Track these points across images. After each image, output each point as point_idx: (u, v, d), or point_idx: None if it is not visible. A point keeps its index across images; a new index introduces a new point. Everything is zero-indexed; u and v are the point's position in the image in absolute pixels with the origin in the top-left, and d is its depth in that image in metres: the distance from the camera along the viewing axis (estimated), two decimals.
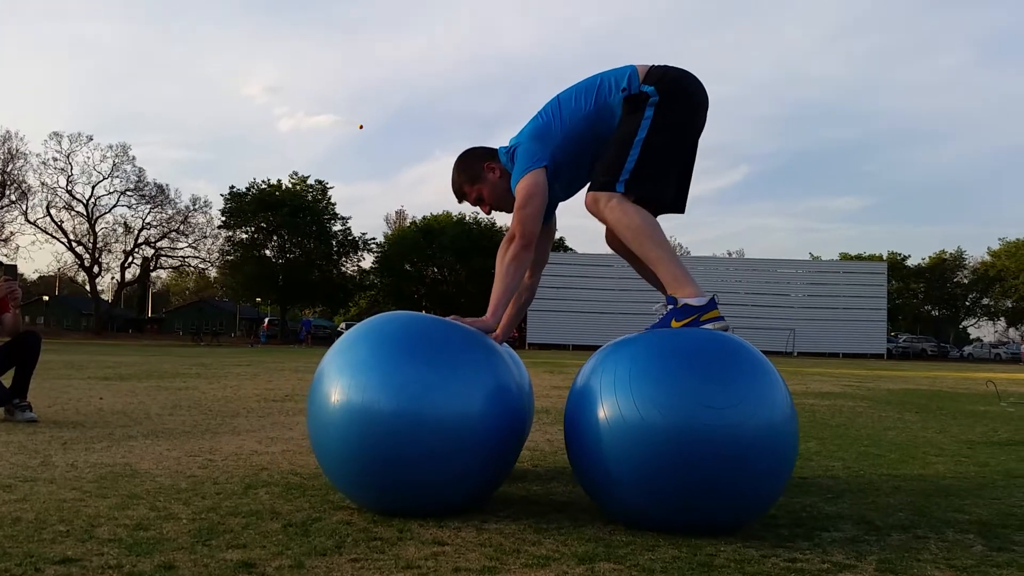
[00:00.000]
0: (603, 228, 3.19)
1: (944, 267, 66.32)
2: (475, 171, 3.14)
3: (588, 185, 2.98)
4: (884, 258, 64.66)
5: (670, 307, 2.78)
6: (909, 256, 67.49)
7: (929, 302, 68.51)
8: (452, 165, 3.21)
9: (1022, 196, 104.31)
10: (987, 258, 66.16)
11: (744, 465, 2.32)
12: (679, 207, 3.10)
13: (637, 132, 2.86)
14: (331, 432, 2.58)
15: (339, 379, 2.58)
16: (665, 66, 2.97)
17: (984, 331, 73.13)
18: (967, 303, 67.98)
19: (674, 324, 2.73)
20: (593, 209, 2.92)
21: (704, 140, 3.10)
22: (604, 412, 2.42)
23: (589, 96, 2.98)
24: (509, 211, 3.09)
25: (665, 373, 2.40)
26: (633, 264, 3.14)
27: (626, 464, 2.38)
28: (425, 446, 2.48)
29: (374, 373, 2.54)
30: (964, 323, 70.82)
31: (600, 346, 2.81)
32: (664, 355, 2.47)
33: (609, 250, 3.25)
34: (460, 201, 3.25)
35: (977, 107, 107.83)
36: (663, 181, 2.94)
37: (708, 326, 2.70)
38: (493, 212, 3.23)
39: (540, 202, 2.95)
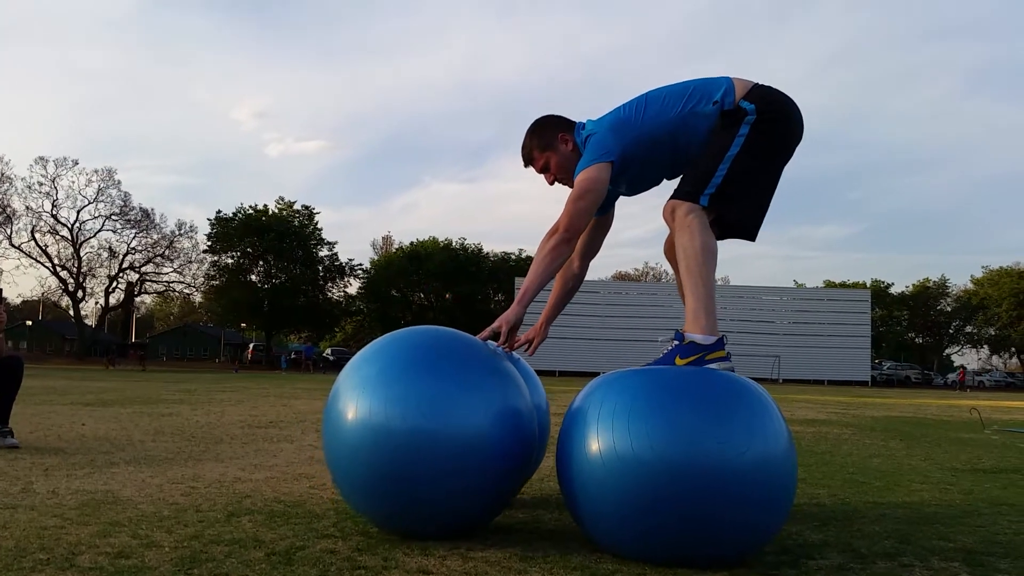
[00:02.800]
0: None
1: (928, 295, 66.75)
2: (548, 139, 3.11)
3: (672, 193, 2.92)
4: (868, 286, 65.06)
5: (676, 342, 2.76)
6: (892, 284, 68.04)
7: (913, 330, 68.87)
8: (526, 130, 3.17)
9: (1005, 225, 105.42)
10: (970, 286, 66.68)
11: (740, 504, 2.30)
12: (751, 234, 3.01)
13: (729, 148, 2.83)
14: (340, 444, 2.64)
15: (350, 393, 2.65)
16: (770, 87, 2.94)
17: (968, 359, 73.56)
18: (951, 331, 68.38)
19: (678, 361, 2.70)
20: (668, 217, 2.89)
21: None
22: (598, 444, 2.41)
23: (677, 102, 2.94)
24: (571, 186, 3.05)
25: (663, 409, 2.38)
26: (678, 278, 3.06)
27: (618, 498, 2.37)
28: (427, 464, 2.50)
29: (383, 388, 2.58)
30: (948, 351, 71.18)
31: (587, 372, 2.81)
32: (663, 391, 2.45)
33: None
34: (526, 165, 3.19)
35: (961, 137, 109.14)
36: (745, 203, 2.91)
37: (712, 366, 2.68)
38: (557, 183, 3.16)
39: (595, 199, 2.92)
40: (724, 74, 2.98)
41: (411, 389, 2.56)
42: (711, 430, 2.31)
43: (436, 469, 2.51)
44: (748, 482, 2.30)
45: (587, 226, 3.06)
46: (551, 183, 3.18)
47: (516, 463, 2.68)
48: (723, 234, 2.95)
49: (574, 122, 3.13)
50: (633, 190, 3.19)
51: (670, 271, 3.39)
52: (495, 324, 2.92)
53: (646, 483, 2.31)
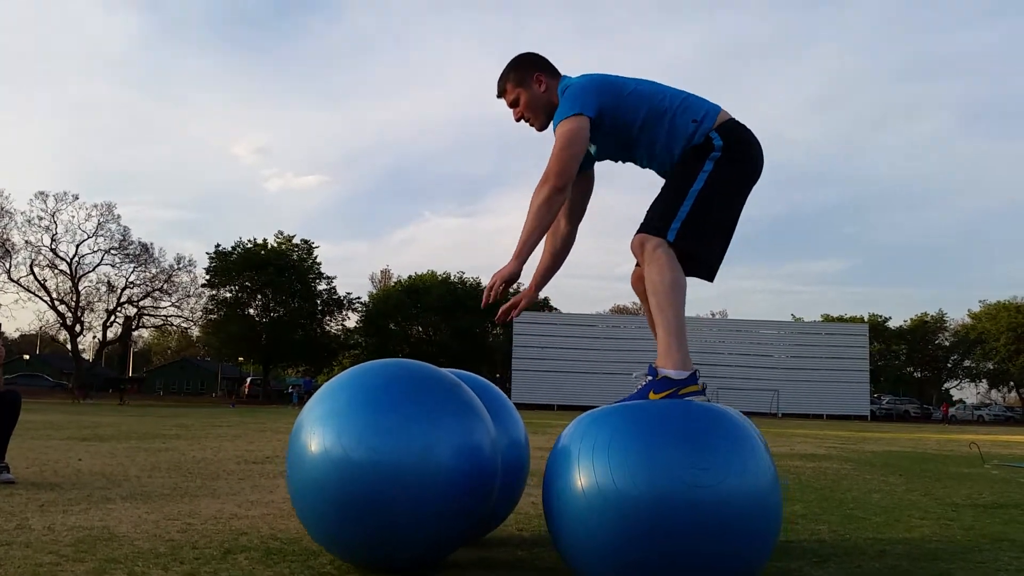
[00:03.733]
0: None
1: (926, 329, 66.75)
2: (524, 75, 3.14)
3: (639, 226, 2.94)
4: (865, 320, 65.07)
5: (649, 377, 2.75)
6: (890, 318, 67.99)
7: (911, 364, 68.77)
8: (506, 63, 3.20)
9: (1002, 259, 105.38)
10: (968, 320, 66.69)
11: (723, 537, 2.29)
12: (711, 274, 3.04)
13: (693, 183, 2.87)
14: (296, 471, 2.74)
15: (311, 427, 2.74)
16: (742, 126, 3.00)
17: (966, 392, 73.38)
18: (949, 365, 68.28)
19: (652, 396, 2.69)
20: (637, 251, 2.90)
21: None
22: (581, 480, 2.40)
23: (666, 100, 2.98)
24: (536, 127, 3.14)
25: (644, 444, 2.37)
26: (647, 311, 3.04)
27: (600, 533, 2.36)
28: (384, 495, 2.57)
29: (338, 421, 2.67)
30: (946, 385, 71.00)
31: (584, 406, 2.81)
32: (644, 426, 2.44)
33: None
34: (499, 95, 3.22)
35: (957, 171, 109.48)
36: (708, 241, 2.93)
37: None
38: (525, 122, 3.18)
39: (580, 149, 2.93)
40: (719, 104, 3.03)
41: (368, 421, 2.64)
42: (691, 463, 2.31)
43: (393, 500, 2.57)
44: (730, 514, 2.29)
45: (574, 177, 3.02)
46: (517, 120, 3.20)
47: (474, 495, 2.73)
48: (686, 272, 2.96)
49: (558, 71, 3.17)
50: (597, 155, 3.22)
51: None
52: (490, 280, 2.93)
53: (628, 518, 2.30)
